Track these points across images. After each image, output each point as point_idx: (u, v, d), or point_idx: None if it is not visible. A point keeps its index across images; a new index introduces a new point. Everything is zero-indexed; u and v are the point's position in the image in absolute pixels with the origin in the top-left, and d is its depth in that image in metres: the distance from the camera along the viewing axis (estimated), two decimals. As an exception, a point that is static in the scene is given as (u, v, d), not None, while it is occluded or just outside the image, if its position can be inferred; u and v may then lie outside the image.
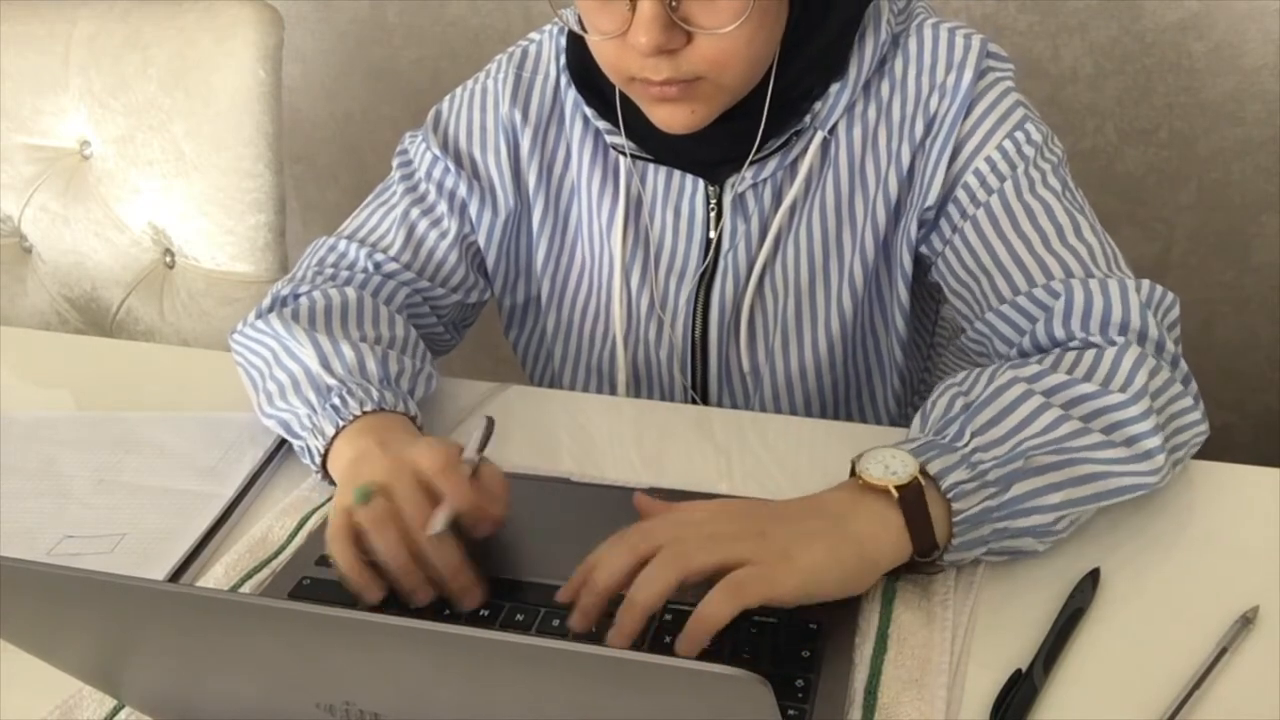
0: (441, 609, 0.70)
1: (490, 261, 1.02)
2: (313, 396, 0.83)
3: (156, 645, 0.56)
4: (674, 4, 0.79)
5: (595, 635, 0.64)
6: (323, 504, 0.83)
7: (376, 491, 0.71)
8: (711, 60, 0.81)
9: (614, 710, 0.47)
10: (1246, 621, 0.67)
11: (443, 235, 0.99)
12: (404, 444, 0.76)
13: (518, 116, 0.98)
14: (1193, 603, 0.70)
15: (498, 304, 1.06)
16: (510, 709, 0.50)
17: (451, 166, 0.98)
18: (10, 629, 0.58)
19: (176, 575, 0.78)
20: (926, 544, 0.69)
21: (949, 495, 0.69)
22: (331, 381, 0.83)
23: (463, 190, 0.99)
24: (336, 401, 0.82)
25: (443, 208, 0.99)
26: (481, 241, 1.00)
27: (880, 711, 0.63)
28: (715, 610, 0.62)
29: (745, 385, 0.99)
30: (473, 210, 0.99)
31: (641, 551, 0.65)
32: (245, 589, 0.75)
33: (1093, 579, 0.71)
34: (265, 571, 0.77)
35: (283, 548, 0.79)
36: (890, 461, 0.70)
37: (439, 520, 0.69)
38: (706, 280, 0.96)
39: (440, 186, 0.99)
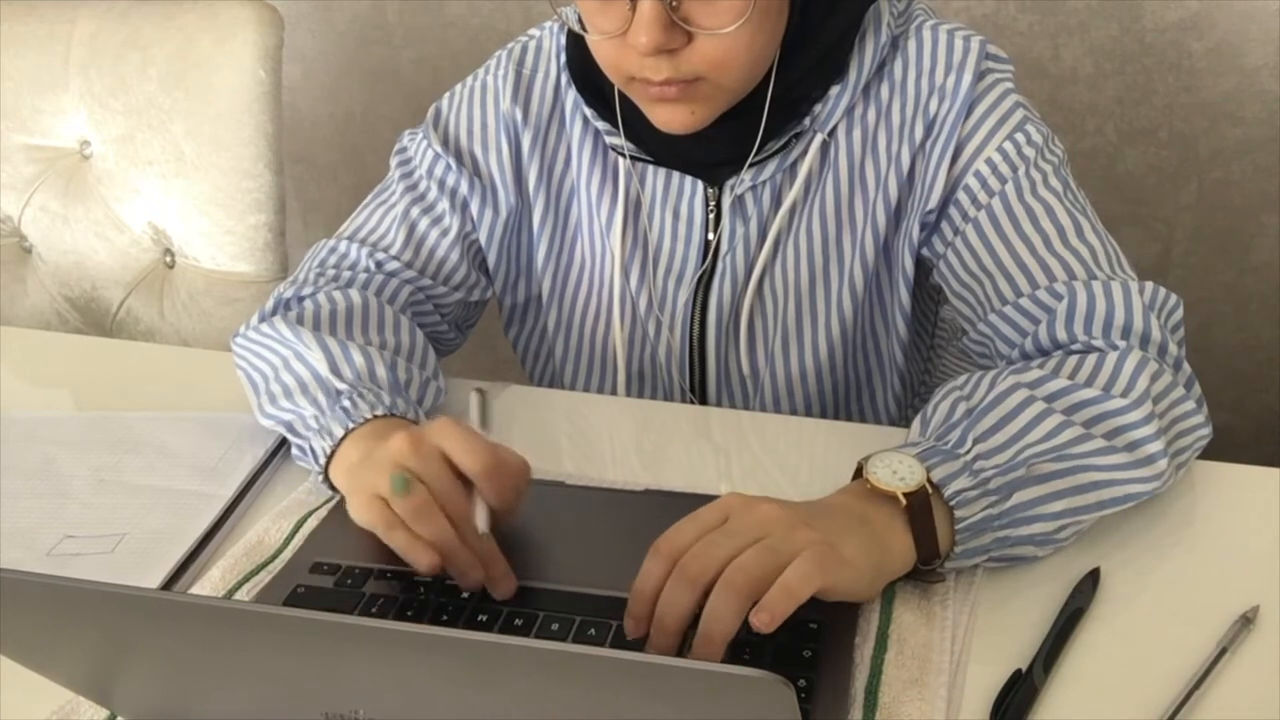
0: (440, 614, 0.70)
1: (491, 260, 1.01)
2: (321, 398, 0.83)
3: (159, 657, 0.56)
4: (674, 4, 0.79)
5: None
6: (318, 507, 0.82)
7: (411, 479, 0.70)
8: (711, 61, 0.81)
9: (634, 714, 0.46)
10: (1246, 621, 0.67)
11: (444, 233, 0.98)
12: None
13: (518, 114, 0.98)
14: (1193, 603, 0.70)
15: (498, 302, 1.05)
16: (528, 714, 0.50)
17: (453, 164, 0.98)
18: (7, 643, 0.57)
19: (173, 579, 0.77)
20: (930, 552, 0.69)
21: (951, 503, 0.69)
22: (341, 385, 0.83)
23: (464, 188, 0.98)
24: (347, 404, 0.81)
25: (444, 205, 0.99)
26: (483, 239, 1.00)
27: (881, 711, 0.63)
28: (801, 584, 0.60)
29: (745, 388, 0.99)
30: (474, 208, 0.99)
31: (697, 579, 0.62)
32: (241, 592, 0.75)
33: (1093, 579, 0.71)
34: (261, 574, 0.76)
35: (279, 551, 0.78)
36: (898, 467, 0.69)
37: (484, 519, 0.70)
38: (705, 283, 0.96)
39: (442, 184, 0.99)
